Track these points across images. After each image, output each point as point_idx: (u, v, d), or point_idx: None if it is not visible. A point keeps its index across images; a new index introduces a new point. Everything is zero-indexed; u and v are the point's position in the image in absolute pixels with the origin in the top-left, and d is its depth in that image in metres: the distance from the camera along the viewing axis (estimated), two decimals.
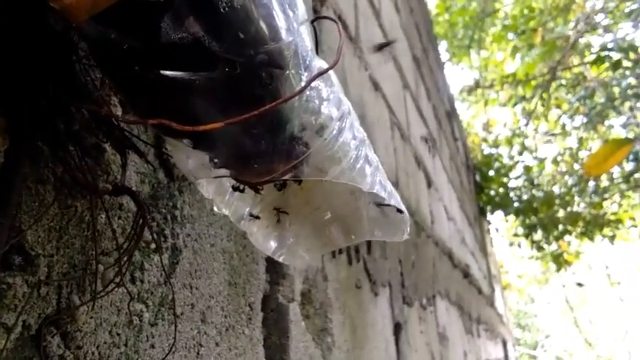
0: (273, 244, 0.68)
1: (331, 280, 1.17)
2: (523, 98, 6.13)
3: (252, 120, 0.44)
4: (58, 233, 0.48)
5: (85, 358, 0.50)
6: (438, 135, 3.85)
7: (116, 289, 0.55)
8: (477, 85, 7.11)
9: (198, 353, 0.67)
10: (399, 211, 0.59)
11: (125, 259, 0.53)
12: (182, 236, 0.68)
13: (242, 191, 0.54)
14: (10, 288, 0.43)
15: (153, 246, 0.63)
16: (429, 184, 3.01)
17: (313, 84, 0.49)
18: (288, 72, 0.44)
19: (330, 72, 0.55)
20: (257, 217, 0.63)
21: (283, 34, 0.44)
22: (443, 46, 7.47)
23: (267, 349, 0.88)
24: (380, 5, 2.28)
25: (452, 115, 5.31)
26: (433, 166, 3.31)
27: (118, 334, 0.55)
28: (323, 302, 1.11)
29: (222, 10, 0.39)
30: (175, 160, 0.51)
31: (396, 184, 2.05)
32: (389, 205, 0.63)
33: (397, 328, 1.65)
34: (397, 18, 2.74)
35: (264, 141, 0.46)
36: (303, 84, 0.46)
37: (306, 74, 0.47)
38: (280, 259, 0.68)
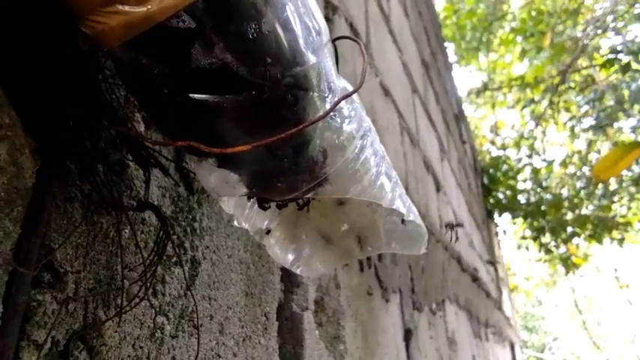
0: (290, 256, 0.68)
1: (343, 288, 1.17)
2: (532, 101, 6.11)
3: (278, 141, 0.45)
4: (85, 250, 0.49)
5: None
6: (446, 138, 3.85)
7: (139, 303, 0.56)
8: (485, 87, 7.09)
9: None
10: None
11: (149, 273, 0.53)
12: (201, 248, 0.69)
13: (267, 208, 0.55)
14: (40, 305, 0.44)
15: (174, 259, 0.64)
16: (438, 188, 3.01)
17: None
18: (312, 94, 0.45)
19: (351, 90, 0.55)
20: (268, 232, 0.64)
21: (308, 56, 0.45)
22: (451, 49, 7.47)
23: (282, 358, 0.89)
24: (390, 11, 2.29)
25: (460, 117, 5.30)
26: (442, 170, 3.31)
27: (141, 347, 0.55)
28: (336, 310, 1.12)
29: (250, 36, 0.40)
30: (199, 178, 0.52)
31: (405, 189, 2.05)
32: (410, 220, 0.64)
33: (407, 334, 1.65)
34: (407, 23, 2.74)
35: (288, 160, 0.47)
36: (327, 105, 0.47)
37: (330, 95, 0.48)
38: (297, 271, 0.69)
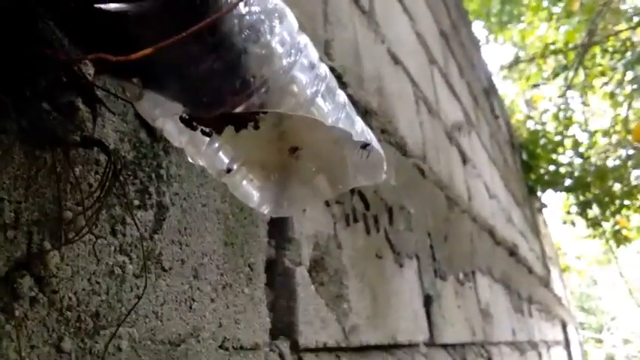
0: (257, 197, 0.68)
1: (346, 248, 1.16)
2: (565, 68, 5.87)
3: (194, 50, 0.44)
4: (25, 182, 0.50)
5: (62, 303, 0.51)
6: (474, 112, 3.75)
7: (95, 240, 0.57)
8: (518, 59, 6.86)
9: (190, 307, 0.68)
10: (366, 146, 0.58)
11: (97, 205, 0.54)
12: (169, 194, 0.69)
13: (209, 135, 0.55)
14: None
15: (136, 202, 0.64)
16: (465, 160, 2.93)
17: (263, 18, 0.49)
18: None
19: (287, 12, 0.54)
20: (228, 171, 0.63)
21: None
22: (479, 25, 7.27)
23: (275, 313, 0.89)
24: None
25: (490, 92, 5.15)
26: (469, 143, 3.23)
27: (98, 283, 0.56)
28: (338, 269, 1.11)
29: None
30: (137, 109, 0.52)
31: (423, 159, 2.01)
32: (368, 145, 0.62)
33: (428, 300, 1.62)
34: None
35: (210, 72, 0.46)
36: (247, 8, 0.46)
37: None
38: (265, 212, 0.69)
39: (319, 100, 0.52)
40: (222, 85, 0.46)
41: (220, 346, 0.73)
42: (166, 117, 0.50)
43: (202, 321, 0.70)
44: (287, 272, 0.92)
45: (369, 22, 1.77)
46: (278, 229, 0.93)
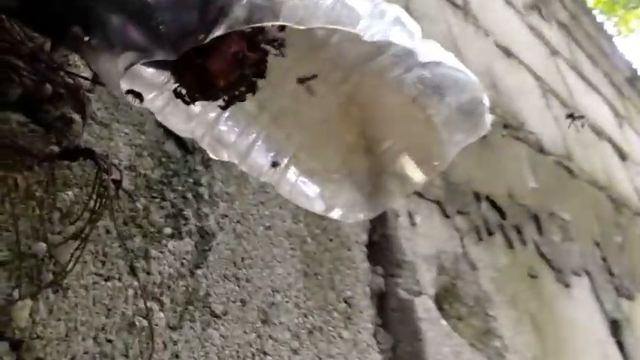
0: (319, 197, 0.49)
1: (483, 269, 0.90)
2: None
3: None
4: None
5: None
6: (620, 103, 3.22)
7: (103, 283, 0.42)
8: None
9: None
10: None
11: (87, 232, 0.39)
12: (214, 217, 0.53)
13: (188, 102, 0.38)
14: None
15: (167, 231, 0.49)
16: (623, 157, 2.46)
17: None
18: None
19: None
20: (274, 165, 0.46)
21: None
22: (602, 18, 6.51)
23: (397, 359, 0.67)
24: None
25: (635, 81, 4.47)
26: (623, 138, 2.73)
27: (111, 341, 0.41)
28: (477, 297, 0.85)
29: None
30: (103, 81, 0.38)
31: (568, 156, 1.67)
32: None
33: (615, 327, 1.25)
34: None
35: None
36: None
37: None
38: (335, 217, 0.50)
39: (343, 9, 0.33)
40: (178, 3, 0.30)
41: None
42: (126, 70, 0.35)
43: None
44: (403, 306, 0.70)
45: (466, 16, 1.55)
46: (381, 250, 0.73)
